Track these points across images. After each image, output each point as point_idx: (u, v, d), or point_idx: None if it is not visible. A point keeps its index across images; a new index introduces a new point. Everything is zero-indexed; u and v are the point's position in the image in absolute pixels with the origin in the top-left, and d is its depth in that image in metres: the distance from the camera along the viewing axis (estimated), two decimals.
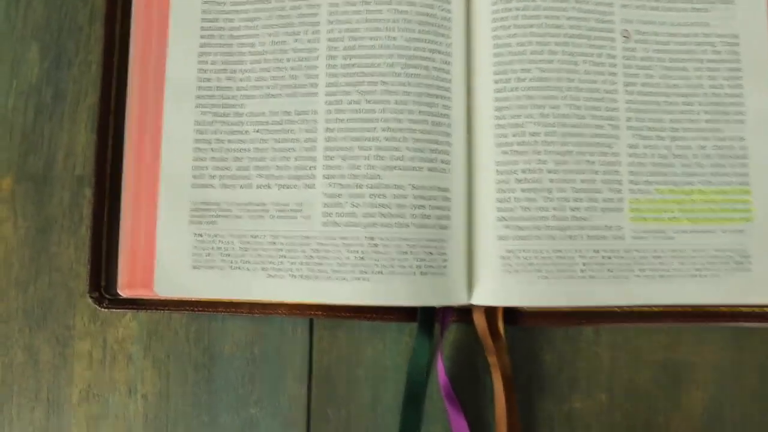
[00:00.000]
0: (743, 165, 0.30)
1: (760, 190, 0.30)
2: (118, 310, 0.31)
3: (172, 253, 0.30)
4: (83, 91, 0.34)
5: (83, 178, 0.33)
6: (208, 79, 0.31)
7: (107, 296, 0.31)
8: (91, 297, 0.31)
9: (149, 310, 0.31)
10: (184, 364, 0.32)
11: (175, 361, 0.32)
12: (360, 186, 0.29)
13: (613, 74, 0.30)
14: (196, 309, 0.31)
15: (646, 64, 0.31)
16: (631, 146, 0.30)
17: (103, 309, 0.31)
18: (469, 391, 0.31)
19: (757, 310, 0.30)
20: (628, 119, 0.30)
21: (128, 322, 0.32)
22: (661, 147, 0.30)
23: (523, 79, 0.30)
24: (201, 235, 0.30)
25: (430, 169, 0.29)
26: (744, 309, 0.30)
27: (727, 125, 0.31)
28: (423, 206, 0.29)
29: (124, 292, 0.31)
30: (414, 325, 0.31)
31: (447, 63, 0.30)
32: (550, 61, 0.30)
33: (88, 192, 0.33)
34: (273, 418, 0.31)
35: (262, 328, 0.32)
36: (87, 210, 0.33)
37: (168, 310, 0.31)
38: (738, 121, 0.31)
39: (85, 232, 0.33)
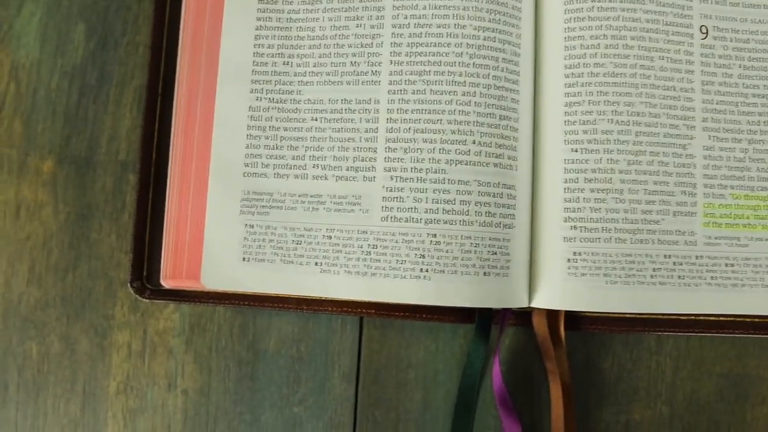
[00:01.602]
0: None
1: None
2: (160, 302, 0.30)
3: (221, 244, 0.28)
4: (129, 74, 0.32)
5: (127, 163, 0.31)
6: (264, 63, 0.29)
7: (149, 287, 0.29)
8: (133, 287, 0.29)
9: (192, 303, 0.29)
10: (226, 360, 0.30)
11: (217, 356, 0.30)
12: (423, 180, 0.27)
13: (690, 72, 0.28)
14: (241, 303, 0.29)
15: (725, 63, 0.29)
16: (706, 148, 0.28)
17: (144, 299, 0.29)
18: (524, 398, 0.29)
19: None
20: (704, 120, 0.28)
21: (170, 314, 0.30)
22: (738, 150, 0.28)
23: (596, 74, 0.28)
24: (252, 226, 0.28)
25: (496, 165, 0.27)
26: None
27: None
28: (488, 203, 0.27)
29: (167, 282, 0.29)
30: (468, 327, 0.30)
31: (516, 54, 0.28)
32: (626, 56, 0.28)
33: (132, 178, 0.31)
34: (318, 418, 0.29)
35: (309, 324, 0.30)
36: (130, 197, 0.31)
37: (212, 303, 0.29)
38: None
39: (127, 219, 0.31)
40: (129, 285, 0.29)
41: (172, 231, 0.29)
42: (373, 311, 0.28)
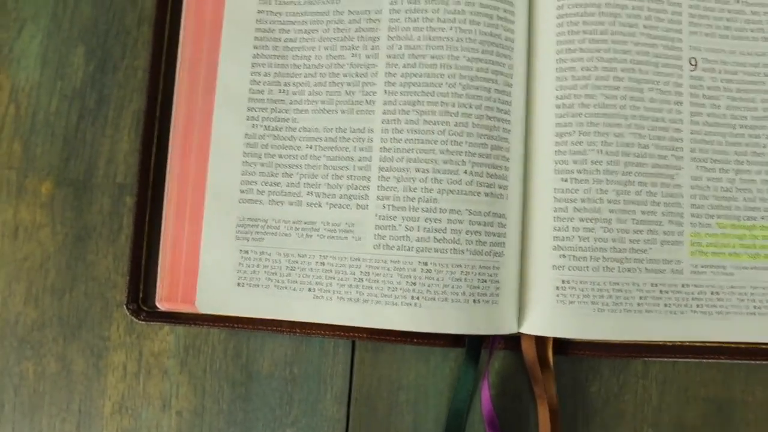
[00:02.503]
0: None
1: None
2: (156, 323, 0.30)
3: (217, 268, 0.28)
4: (128, 97, 0.32)
5: (124, 186, 0.31)
6: (261, 91, 0.29)
7: (145, 308, 0.30)
8: (129, 309, 0.29)
9: (187, 325, 0.29)
10: (220, 381, 0.30)
11: (211, 378, 0.30)
12: (415, 209, 0.27)
13: (679, 103, 0.29)
14: (235, 325, 0.29)
15: (713, 94, 0.29)
16: (694, 178, 0.29)
17: (140, 321, 0.29)
18: (512, 421, 0.30)
19: None
20: (692, 150, 0.29)
21: (165, 335, 0.31)
22: (725, 180, 0.29)
23: (587, 105, 0.28)
24: (247, 252, 0.28)
25: (487, 195, 0.27)
26: None
27: None
28: (479, 232, 0.27)
29: (162, 305, 0.29)
30: (459, 351, 0.30)
31: (509, 85, 0.28)
32: (616, 88, 0.28)
33: (129, 200, 0.31)
34: None
35: (302, 347, 0.30)
36: (127, 219, 0.31)
37: (207, 325, 0.29)
38: None
39: (124, 241, 0.31)
40: (125, 307, 0.29)
41: (168, 254, 0.29)
42: (365, 335, 0.29)
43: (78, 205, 0.32)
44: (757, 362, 0.29)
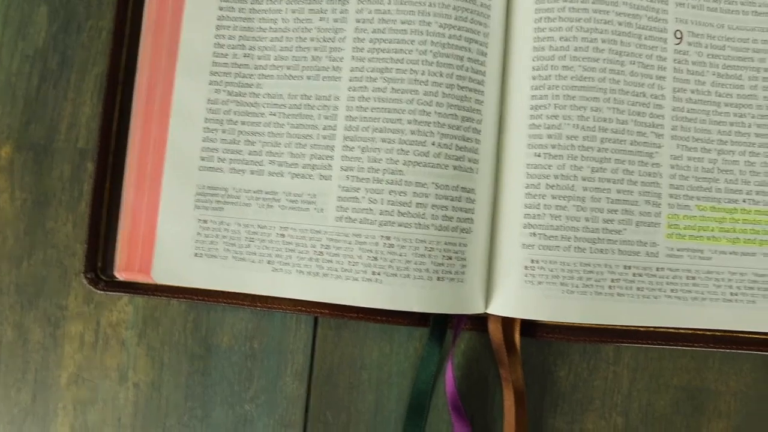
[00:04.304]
0: None
1: None
2: (114, 293, 0.28)
3: (174, 238, 0.27)
4: (91, 59, 0.30)
5: (86, 151, 0.30)
6: (225, 55, 0.28)
7: (103, 278, 0.28)
8: (86, 278, 0.28)
9: (146, 296, 0.28)
10: (179, 354, 0.29)
11: (170, 351, 0.29)
12: (379, 181, 0.26)
13: (662, 78, 0.27)
14: (195, 297, 0.28)
15: (698, 70, 0.27)
16: (674, 157, 0.27)
17: (98, 291, 0.28)
18: (477, 404, 0.28)
19: None
20: (674, 128, 0.27)
21: (123, 306, 0.29)
22: (707, 160, 0.27)
23: (564, 77, 0.26)
24: (206, 222, 0.27)
25: (455, 168, 0.26)
26: None
27: None
28: (445, 207, 0.26)
29: (120, 275, 0.28)
30: (424, 330, 0.28)
31: (483, 54, 0.26)
32: (595, 60, 0.26)
33: (90, 166, 0.30)
34: (269, 416, 0.28)
35: (264, 322, 0.29)
36: (88, 185, 0.30)
37: (166, 296, 0.28)
38: None
39: (84, 208, 0.30)
40: (83, 276, 0.28)
41: (128, 222, 0.28)
42: (327, 311, 0.27)
43: (38, 170, 0.30)
44: (732, 351, 0.27)
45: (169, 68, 0.28)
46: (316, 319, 0.29)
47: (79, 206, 0.30)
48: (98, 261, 0.28)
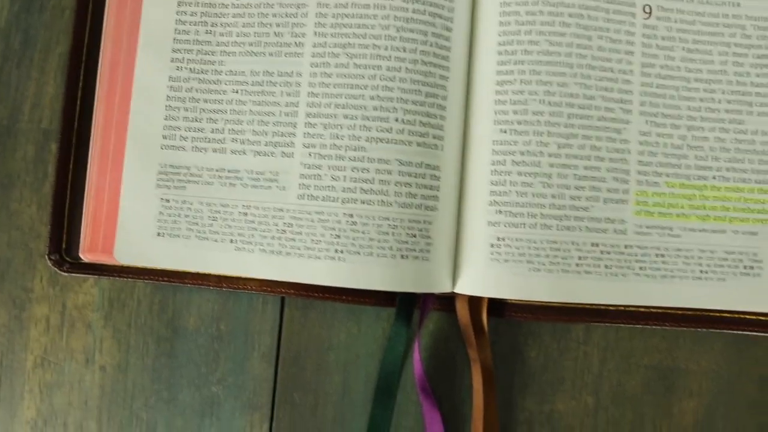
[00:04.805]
0: (764, 162, 0.27)
1: None
2: (79, 275, 0.28)
3: (136, 218, 0.27)
4: (54, 38, 0.30)
5: (50, 131, 0.30)
6: (186, 32, 0.27)
7: (68, 259, 0.28)
8: (51, 259, 0.28)
9: (111, 277, 0.28)
10: (145, 336, 0.29)
11: (136, 332, 0.29)
12: (342, 158, 0.25)
13: (630, 53, 0.26)
14: (160, 278, 0.27)
15: (668, 45, 0.27)
16: (642, 133, 0.26)
17: (63, 273, 0.28)
18: (446, 384, 0.28)
19: (762, 318, 0.27)
20: (642, 104, 0.26)
21: (89, 288, 0.29)
22: (676, 137, 0.27)
23: (530, 52, 0.26)
24: (168, 201, 0.27)
25: (419, 144, 0.25)
26: (748, 316, 0.27)
27: (750, 117, 0.27)
28: (409, 184, 0.25)
29: (85, 256, 0.28)
30: (392, 311, 0.28)
31: (448, 29, 0.26)
32: (562, 34, 0.26)
33: (55, 147, 0.29)
34: (236, 398, 0.28)
35: (230, 303, 0.29)
36: (52, 166, 0.29)
37: (131, 277, 0.28)
38: (763, 113, 0.27)
39: (48, 189, 0.29)
40: (47, 257, 0.28)
41: (91, 203, 0.27)
42: (293, 291, 0.27)
43: (1, 151, 0.30)
44: (703, 330, 0.27)
45: (130, 46, 0.27)
46: (283, 300, 0.28)
47: (44, 187, 0.29)
48: (63, 242, 0.28)
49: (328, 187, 0.25)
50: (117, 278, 0.28)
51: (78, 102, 0.28)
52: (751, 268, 0.26)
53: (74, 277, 0.29)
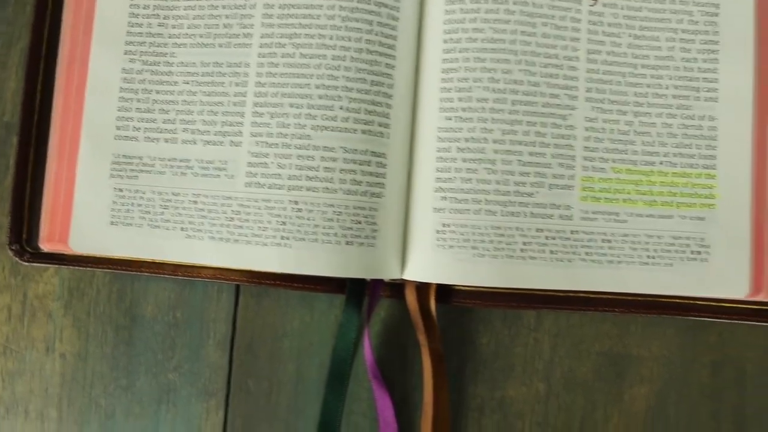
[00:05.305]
0: (711, 147, 0.27)
1: (726, 175, 0.27)
2: (39, 265, 0.29)
3: (90, 207, 0.27)
4: (16, 34, 0.31)
5: (12, 125, 0.30)
6: (139, 24, 0.28)
7: (28, 249, 0.29)
8: (12, 250, 0.28)
9: (71, 266, 0.28)
10: (104, 325, 0.29)
11: (95, 321, 0.29)
12: (288, 146, 0.26)
13: (576, 40, 0.27)
14: (118, 267, 0.28)
15: (614, 31, 0.27)
16: (588, 119, 0.27)
17: (23, 262, 0.28)
18: (398, 371, 0.28)
19: (713, 304, 0.27)
20: (588, 90, 0.27)
21: (50, 277, 0.30)
22: (622, 122, 0.27)
23: (474, 40, 0.26)
24: (121, 190, 0.27)
25: (365, 132, 0.26)
26: (699, 302, 0.27)
27: (697, 103, 0.27)
28: (354, 171, 0.26)
29: (44, 246, 0.28)
30: (344, 298, 0.28)
31: (394, 18, 0.26)
32: (506, 21, 0.26)
33: (16, 141, 0.30)
34: (192, 385, 0.29)
35: (186, 292, 0.29)
36: (14, 159, 0.30)
37: (89, 267, 0.28)
38: (710, 99, 0.27)
39: (10, 182, 0.30)
40: (8, 248, 0.28)
41: (50, 194, 0.28)
42: (245, 279, 0.27)
43: None
44: (654, 316, 0.27)
45: (85, 39, 0.28)
46: (238, 288, 0.29)
47: (6, 180, 0.30)
48: (23, 233, 0.28)
49: (275, 174, 0.26)
50: (76, 268, 0.28)
51: (38, 96, 0.29)
52: (699, 253, 0.26)
53: (35, 267, 0.29)
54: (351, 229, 0.25)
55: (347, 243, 0.25)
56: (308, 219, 0.25)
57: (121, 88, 0.27)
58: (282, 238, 0.25)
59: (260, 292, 0.29)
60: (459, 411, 0.28)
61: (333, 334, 0.28)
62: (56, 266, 0.29)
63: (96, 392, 0.29)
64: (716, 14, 0.27)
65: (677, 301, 0.27)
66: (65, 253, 0.28)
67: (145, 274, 0.28)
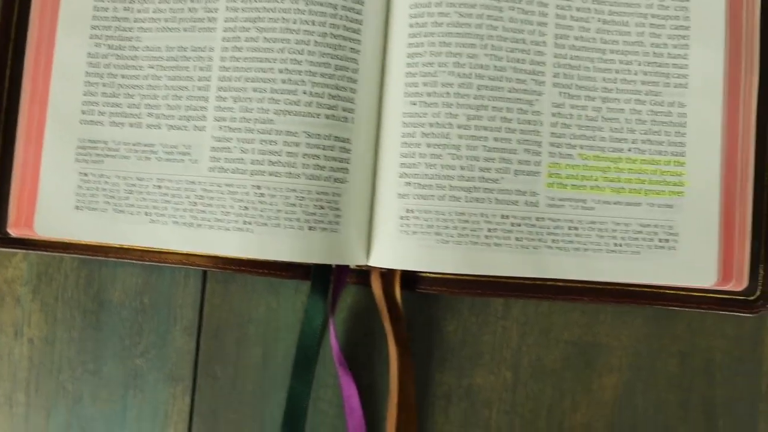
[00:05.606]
0: (680, 134, 0.26)
1: (695, 163, 0.26)
2: (8, 250, 0.29)
3: (56, 191, 0.27)
4: None
5: None
6: (105, 9, 0.28)
7: None
8: None
9: (39, 252, 0.28)
10: (72, 310, 0.29)
11: (63, 306, 0.29)
12: (251, 130, 0.25)
13: (543, 24, 0.26)
14: (85, 252, 0.28)
15: (582, 16, 0.26)
16: (555, 105, 0.26)
17: None
18: (365, 358, 0.28)
19: (681, 293, 0.27)
20: (555, 75, 0.26)
21: (18, 262, 0.30)
22: (590, 108, 0.26)
23: (440, 24, 0.26)
24: (86, 175, 0.27)
25: (328, 117, 0.26)
26: (668, 291, 0.27)
27: (666, 89, 0.27)
28: (317, 156, 0.25)
29: (12, 230, 0.28)
30: (310, 285, 0.28)
31: (359, 2, 0.26)
32: (472, 6, 0.26)
33: None
34: (159, 370, 0.29)
35: (154, 277, 0.29)
36: None
37: (57, 252, 0.28)
38: (679, 85, 0.27)
39: None
40: None
41: (18, 179, 0.28)
42: (210, 264, 0.27)
43: None
44: (623, 305, 0.27)
45: (52, 23, 0.28)
46: (204, 274, 0.29)
47: None
48: None
49: (238, 159, 0.25)
50: (44, 253, 0.28)
51: (6, 81, 0.29)
52: (666, 241, 0.26)
53: (3, 251, 0.30)
54: (314, 214, 0.25)
55: (310, 228, 0.25)
56: (270, 204, 0.25)
57: (86, 72, 0.27)
58: (244, 222, 0.25)
59: (227, 278, 0.29)
60: (425, 399, 0.28)
61: (299, 320, 0.28)
62: (24, 251, 0.29)
63: (64, 377, 0.29)
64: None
65: (646, 290, 0.27)
66: (33, 238, 0.28)
67: (113, 259, 0.28)
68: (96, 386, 0.29)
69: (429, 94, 0.26)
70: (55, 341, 0.29)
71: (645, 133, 0.26)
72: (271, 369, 0.28)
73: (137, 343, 0.29)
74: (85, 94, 0.27)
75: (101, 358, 0.29)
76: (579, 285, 0.27)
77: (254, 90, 0.26)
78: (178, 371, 0.29)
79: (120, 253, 0.28)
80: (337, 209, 0.26)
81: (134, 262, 0.28)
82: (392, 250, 0.26)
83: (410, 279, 0.27)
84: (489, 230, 0.26)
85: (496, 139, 0.26)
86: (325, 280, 0.27)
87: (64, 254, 0.28)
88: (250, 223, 0.25)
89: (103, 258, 0.28)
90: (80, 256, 0.28)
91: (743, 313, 0.27)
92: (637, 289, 0.27)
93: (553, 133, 0.26)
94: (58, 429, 0.29)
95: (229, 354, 0.28)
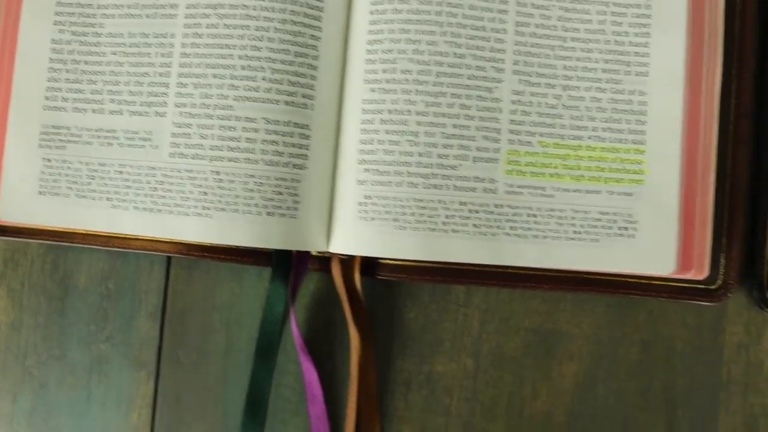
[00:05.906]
0: (640, 122, 0.26)
1: (655, 151, 0.26)
2: None
3: (19, 177, 0.27)
4: None
5: None
6: None
7: None
8: None
9: (5, 237, 0.29)
10: (38, 295, 0.30)
11: (29, 292, 0.30)
12: (210, 116, 0.26)
13: (504, 12, 0.26)
14: (51, 238, 0.28)
15: (544, 4, 0.26)
16: (515, 92, 0.26)
17: None
18: (327, 345, 0.28)
19: (642, 281, 0.27)
20: (515, 62, 0.26)
21: None
22: (550, 96, 0.26)
23: (400, 11, 0.26)
24: (50, 160, 0.27)
25: (287, 103, 0.26)
26: (629, 279, 0.27)
27: (627, 77, 0.27)
28: (276, 142, 0.26)
29: None
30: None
31: None
32: None
33: None
34: (123, 356, 0.29)
35: (119, 263, 0.29)
36: None
37: (23, 238, 0.28)
38: (640, 73, 0.26)
39: None
40: None
41: None
42: (173, 250, 0.28)
43: None
44: (584, 293, 0.27)
45: (17, 9, 0.28)
46: (169, 260, 0.29)
47: None
48: None
49: (197, 145, 0.26)
50: (10, 238, 0.29)
51: None
52: (626, 229, 0.26)
53: None
54: (272, 200, 0.25)
55: (268, 214, 0.25)
56: (229, 189, 0.25)
57: (50, 59, 0.28)
58: (203, 208, 0.25)
59: (191, 264, 0.29)
60: (386, 386, 0.28)
61: (262, 306, 0.29)
62: None
63: (30, 362, 0.29)
64: None
65: (606, 278, 0.27)
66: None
67: (78, 245, 0.28)
68: (61, 371, 0.29)
69: (388, 81, 0.26)
70: (21, 327, 0.29)
71: (605, 121, 0.26)
72: (234, 354, 0.29)
73: (102, 329, 0.29)
74: (48, 81, 0.28)
75: (67, 343, 0.29)
76: (539, 273, 0.27)
77: (214, 76, 0.26)
78: (143, 356, 0.29)
79: (85, 238, 0.28)
80: (296, 195, 0.26)
81: (99, 248, 0.28)
82: (351, 236, 0.26)
83: (371, 265, 0.28)
84: (447, 217, 0.26)
85: (454, 126, 0.26)
86: (286, 266, 0.27)
87: (30, 240, 0.29)
88: (209, 209, 0.25)
89: (69, 244, 0.28)
90: (46, 242, 0.29)
91: (704, 302, 0.27)
92: (598, 277, 0.27)
93: (512, 120, 0.26)
94: (23, 414, 0.29)
95: (193, 339, 0.29)
